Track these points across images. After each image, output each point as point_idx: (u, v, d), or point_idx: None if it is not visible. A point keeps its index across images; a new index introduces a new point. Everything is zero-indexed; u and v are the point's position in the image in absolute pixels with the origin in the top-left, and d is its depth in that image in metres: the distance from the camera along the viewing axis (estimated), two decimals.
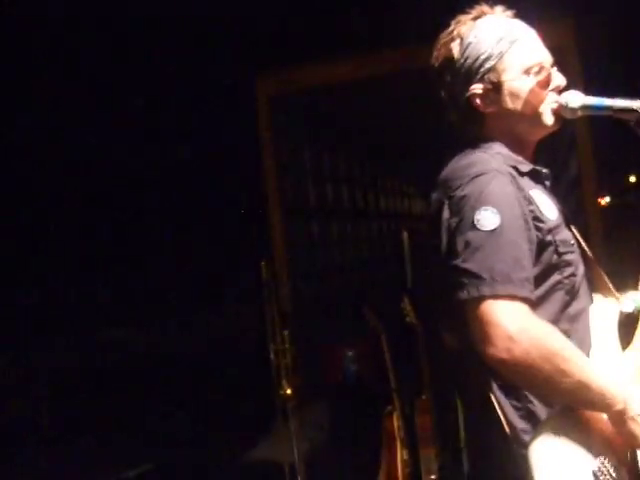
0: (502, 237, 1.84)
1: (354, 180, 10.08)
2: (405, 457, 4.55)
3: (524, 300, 1.81)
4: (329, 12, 5.71)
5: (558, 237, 1.99)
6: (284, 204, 6.66)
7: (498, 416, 1.93)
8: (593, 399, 1.86)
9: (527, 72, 2.07)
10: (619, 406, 1.86)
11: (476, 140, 2.12)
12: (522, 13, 2.22)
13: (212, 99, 5.97)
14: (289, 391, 4.59)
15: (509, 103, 2.08)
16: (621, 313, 2.18)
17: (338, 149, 9.16)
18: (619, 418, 1.87)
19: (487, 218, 1.85)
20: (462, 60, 2.11)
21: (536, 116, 2.09)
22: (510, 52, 2.08)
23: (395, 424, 4.64)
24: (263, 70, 6.23)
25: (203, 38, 5.71)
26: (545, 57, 2.11)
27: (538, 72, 2.07)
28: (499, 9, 2.16)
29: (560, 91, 2.09)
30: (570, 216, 2.21)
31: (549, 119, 2.09)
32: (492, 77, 2.08)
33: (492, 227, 1.84)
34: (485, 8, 2.16)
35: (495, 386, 1.94)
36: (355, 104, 7.63)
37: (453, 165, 2.05)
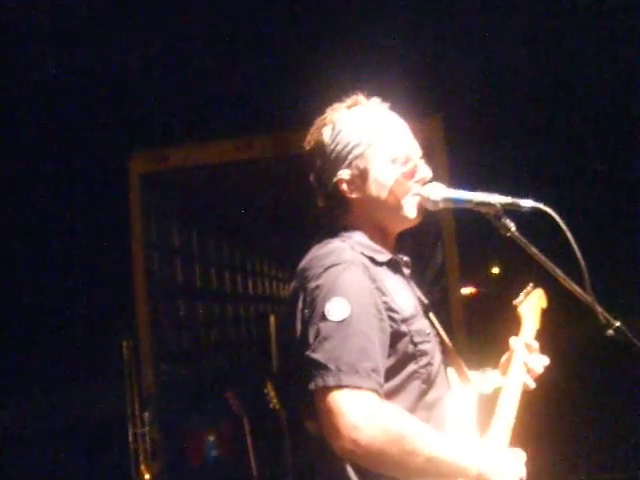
0: (351, 327, 1.85)
1: (223, 261, 10.04)
2: None
3: (370, 390, 1.82)
4: (205, 95, 5.78)
5: (413, 327, 2.01)
6: (151, 283, 6.54)
7: None
8: (447, 471, 1.88)
9: (394, 162, 2.11)
10: (473, 472, 1.89)
11: (339, 227, 2.15)
12: (393, 107, 2.29)
13: (85, 176, 5.90)
14: (147, 476, 4.44)
15: (374, 191, 2.12)
16: (481, 395, 2.24)
17: (208, 230, 9.13)
18: None
19: (337, 309, 1.87)
20: (332, 145, 2.14)
21: (399, 206, 2.12)
22: (379, 141, 2.12)
23: None
24: (136, 148, 6.20)
25: (78, 116, 5.66)
26: (413, 149, 2.16)
27: (404, 163, 2.12)
28: (374, 100, 2.21)
29: (425, 183, 2.13)
30: (430, 304, 2.26)
31: (411, 211, 2.12)
32: (359, 164, 2.11)
33: (341, 318, 1.86)
34: (360, 98, 2.20)
35: (352, 472, 1.94)
36: (227, 186, 7.66)
37: (312, 254, 2.06)
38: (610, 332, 1.93)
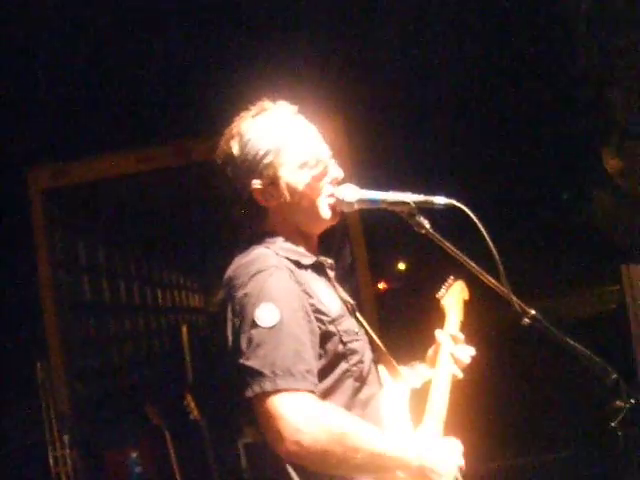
0: (282, 332, 1.87)
1: (130, 274, 9.89)
2: None
3: (307, 391, 1.84)
4: (108, 107, 5.68)
5: (341, 327, 2.03)
6: (59, 301, 6.40)
7: None
8: (390, 465, 1.91)
9: (302, 166, 2.11)
10: (415, 463, 1.92)
11: (260, 234, 2.15)
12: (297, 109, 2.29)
13: None
14: None
15: (287, 197, 2.12)
16: (412, 389, 2.27)
17: (115, 244, 8.98)
18: (421, 472, 1.93)
19: (267, 315, 1.88)
20: (242, 157, 2.13)
21: (314, 209, 2.13)
22: (286, 147, 2.12)
23: None
24: (37, 162, 6.06)
25: None
26: (322, 150, 2.16)
27: (314, 166, 2.12)
28: (282, 104, 2.21)
29: (338, 183, 2.14)
30: (355, 304, 2.28)
31: (326, 212, 2.13)
32: (269, 172, 2.11)
33: (272, 323, 1.87)
34: (266, 104, 2.20)
35: (293, 474, 1.95)
36: (131, 198, 7.56)
37: (236, 263, 2.06)
38: (526, 321, 1.98)
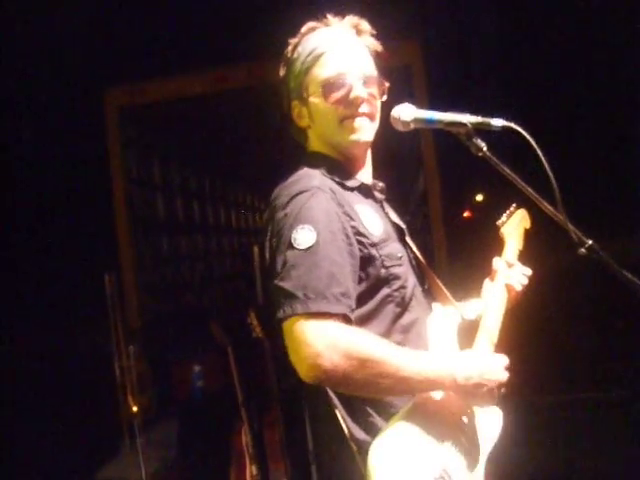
0: (318, 254, 1.86)
1: (204, 195, 10.01)
2: (254, 472, 4.52)
3: (339, 315, 1.84)
4: (180, 27, 5.68)
5: (383, 251, 2.02)
6: (132, 217, 6.54)
7: (342, 429, 1.96)
8: (421, 387, 1.91)
9: (324, 87, 2.09)
10: (448, 381, 1.91)
11: (308, 154, 2.17)
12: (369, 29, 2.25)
13: (61, 108, 5.80)
14: (135, 409, 4.48)
15: (315, 119, 2.13)
16: (464, 320, 2.26)
17: (189, 163, 9.08)
18: (460, 390, 1.93)
19: (303, 236, 1.87)
20: (286, 77, 2.17)
21: (338, 132, 2.11)
22: (314, 67, 2.11)
23: (244, 440, 4.61)
24: (114, 81, 6.12)
25: (55, 47, 5.55)
26: (348, 69, 2.10)
27: (336, 87, 2.08)
28: (337, 22, 2.18)
29: (358, 105, 2.09)
30: (409, 228, 2.27)
31: (345, 137, 2.10)
32: (302, 92, 2.13)
33: (308, 245, 1.86)
34: (311, 23, 2.18)
35: (336, 400, 1.97)
36: (206, 117, 7.60)
37: (282, 183, 2.06)
38: (582, 251, 1.94)
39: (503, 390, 2.00)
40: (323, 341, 1.79)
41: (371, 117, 2.12)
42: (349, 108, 2.09)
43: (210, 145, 9.06)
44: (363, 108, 2.09)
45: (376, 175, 2.26)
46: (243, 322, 4.62)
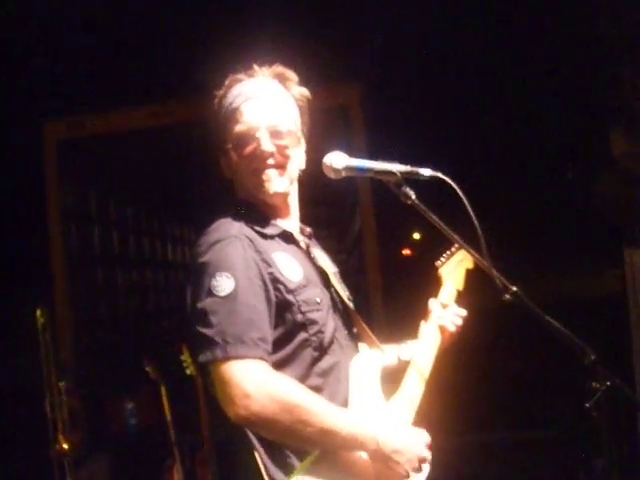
0: (236, 301, 1.93)
1: (141, 229, 9.94)
2: None
3: (259, 359, 1.90)
4: (119, 62, 5.69)
5: (300, 297, 2.08)
6: (67, 251, 6.48)
7: (261, 472, 1.99)
8: (344, 443, 1.96)
9: (237, 140, 2.17)
10: (372, 446, 1.96)
11: (233, 202, 2.23)
12: (311, 74, 2.31)
13: None
14: (65, 446, 4.39)
15: (233, 170, 2.21)
16: (400, 361, 2.30)
17: (126, 197, 9.02)
18: (378, 456, 1.97)
19: (222, 284, 1.95)
20: (213, 130, 2.26)
21: (250, 184, 2.18)
22: (230, 121, 2.18)
23: (176, 477, 4.58)
24: (53, 114, 6.09)
25: None
26: (258, 123, 2.15)
27: (246, 142, 2.15)
28: (253, 70, 2.24)
29: (265, 158, 2.14)
30: (341, 271, 2.32)
31: (257, 188, 2.16)
32: (223, 145, 2.21)
33: (226, 292, 1.94)
34: (235, 76, 2.24)
35: (256, 442, 2.00)
36: (146, 152, 7.58)
37: (204, 230, 2.13)
38: (507, 297, 2.01)
39: (425, 464, 2.05)
40: (250, 382, 1.85)
41: (280, 168, 2.17)
42: (256, 161, 2.15)
43: (147, 179, 9.02)
44: (270, 161, 2.15)
45: (308, 217, 2.31)
46: (176, 358, 4.61)
